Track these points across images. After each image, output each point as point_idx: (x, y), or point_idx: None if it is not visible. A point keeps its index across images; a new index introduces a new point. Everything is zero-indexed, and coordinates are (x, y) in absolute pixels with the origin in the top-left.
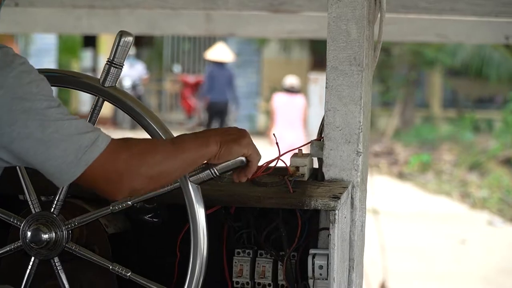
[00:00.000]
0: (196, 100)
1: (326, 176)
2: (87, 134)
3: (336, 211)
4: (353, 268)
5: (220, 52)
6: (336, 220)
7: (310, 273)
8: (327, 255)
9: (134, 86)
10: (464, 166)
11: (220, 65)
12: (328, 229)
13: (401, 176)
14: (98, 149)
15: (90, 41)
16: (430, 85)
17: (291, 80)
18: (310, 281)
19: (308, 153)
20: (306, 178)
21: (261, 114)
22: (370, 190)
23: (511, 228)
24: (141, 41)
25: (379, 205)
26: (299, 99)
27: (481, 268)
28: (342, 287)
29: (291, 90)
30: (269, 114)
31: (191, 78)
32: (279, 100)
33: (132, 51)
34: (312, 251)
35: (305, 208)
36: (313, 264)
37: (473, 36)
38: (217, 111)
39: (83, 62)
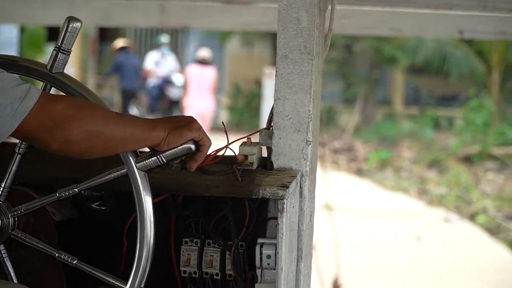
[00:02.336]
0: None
1: (275, 165)
2: (19, 86)
3: (285, 200)
4: (301, 258)
5: (123, 41)
6: (285, 209)
7: (258, 263)
8: (275, 245)
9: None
10: (423, 163)
11: (127, 54)
12: (276, 218)
13: (359, 172)
14: (32, 99)
15: (54, 35)
16: (392, 82)
17: (203, 52)
18: (258, 271)
19: (257, 142)
20: (254, 167)
21: (223, 109)
22: (324, 185)
23: (467, 225)
24: (104, 35)
25: (336, 201)
26: (210, 70)
27: (436, 264)
28: (290, 277)
29: (202, 62)
30: (184, 85)
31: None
32: (192, 71)
33: (166, 39)
34: (260, 240)
35: (254, 197)
36: (261, 253)
37: (427, 30)
38: (128, 97)
39: (49, 56)
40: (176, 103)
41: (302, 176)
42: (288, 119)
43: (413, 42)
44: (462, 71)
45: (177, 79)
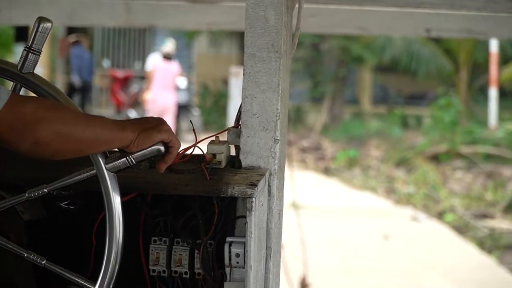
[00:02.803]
0: (125, 95)
1: (244, 164)
2: None
3: (253, 199)
4: (270, 256)
5: (75, 35)
6: (253, 208)
7: (226, 261)
8: (244, 243)
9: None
10: (391, 162)
11: (80, 48)
12: (245, 217)
13: (327, 171)
14: (1, 100)
15: (22, 35)
16: (360, 81)
17: (167, 48)
18: (227, 269)
19: (225, 141)
20: (223, 165)
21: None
22: (291, 184)
23: (435, 223)
24: None
25: (304, 200)
26: (174, 65)
27: (403, 263)
28: (259, 275)
29: (167, 57)
30: (147, 79)
31: (120, 73)
32: (156, 65)
33: (172, 43)
34: (229, 239)
35: (222, 195)
36: (229, 252)
37: (394, 29)
38: (78, 89)
39: (18, 56)
40: (182, 108)
41: (270, 174)
42: (256, 118)
43: (380, 41)
44: (430, 70)
45: (181, 82)
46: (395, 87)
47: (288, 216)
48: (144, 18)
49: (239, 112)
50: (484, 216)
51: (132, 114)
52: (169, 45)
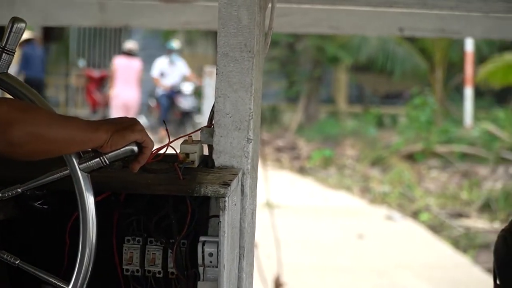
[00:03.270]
0: (100, 94)
1: (217, 163)
2: None
3: (226, 198)
4: (243, 256)
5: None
6: (226, 207)
7: (200, 261)
8: (217, 243)
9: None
10: (366, 161)
11: (33, 45)
12: (218, 216)
13: (302, 171)
14: None
15: None
16: (336, 81)
17: (129, 44)
18: (200, 269)
19: (198, 140)
20: (196, 165)
21: None
22: (266, 183)
23: (410, 222)
24: (49, 36)
25: (279, 200)
26: (136, 62)
27: (378, 262)
28: (232, 274)
29: (129, 54)
30: (111, 75)
31: (95, 73)
32: (119, 62)
33: (177, 44)
34: (202, 238)
35: (195, 194)
36: (203, 251)
37: (367, 28)
38: (32, 86)
39: None
40: (188, 114)
41: (243, 174)
42: (229, 117)
43: (356, 40)
44: (405, 69)
45: (186, 88)
46: (371, 86)
47: (262, 215)
48: (119, 18)
49: (212, 111)
50: (459, 215)
51: (142, 119)
52: (130, 42)
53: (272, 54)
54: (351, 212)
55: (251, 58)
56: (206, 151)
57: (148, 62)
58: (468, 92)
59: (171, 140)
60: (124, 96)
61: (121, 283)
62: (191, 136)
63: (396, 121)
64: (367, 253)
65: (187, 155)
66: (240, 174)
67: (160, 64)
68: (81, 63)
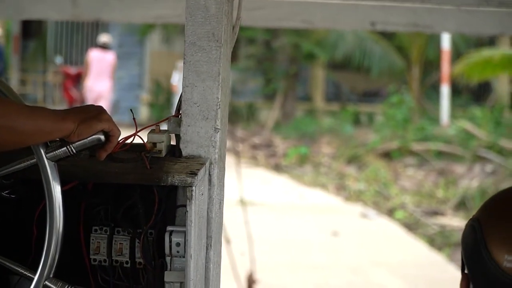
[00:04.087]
0: (77, 91)
1: (184, 153)
2: None
3: (193, 188)
4: (211, 246)
5: None
6: (193, 197)
7: (167, 250)
8: (184, 232)
9: None
10: (342, 159)
11: None
12: (185, 206)
13: (277, 168)
14: None
15: None
16: (313, 78)
17: (104, 38)
18: (168, 259)
19: (165, 130)
20: (163, 154)
21: (144, 106)
22: (240, 180)
23: (385, 220)
24: (28, 32)
25: (254, 197)
26: (110, 55)
27: (352, 259)
28: (200, 264)
29: (104, 47)
30: (85, 67)
31: (72, 70)
32: (93, 55)
33: (108, 38)
34: (169, 228)
35: (162, 184)
36: (170, 241)
37: (339, 22)
38: None
39: None
40: None
41: (211, 163)
42: (197, 107)
43: (332, 37)
44: (382, 67)
45: None
46: (349, 84)
47: (236, 212)
48: (91, 12)
49: (180, 101)
50: (435, 213)
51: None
52: (105, 36)
53: (249, 52)
54: (326, 209)
55: (219, 48)
56: (173, 141)
57: (124, 59)
58: (445, 90)
59: (138, 130)
60: (97, 88)
61: (89, 273)
62: (158, 125)
63: (373, 119)
64: (342, 250)
65: (154, 144)
66: (207, 164)
67: (179, 70)
68: (58, 60)
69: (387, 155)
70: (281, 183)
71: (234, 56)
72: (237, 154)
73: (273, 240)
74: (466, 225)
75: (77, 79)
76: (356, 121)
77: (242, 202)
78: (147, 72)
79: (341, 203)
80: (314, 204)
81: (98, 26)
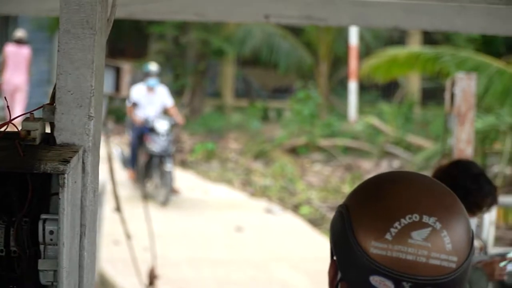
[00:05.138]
0: None
1: (58, 141)
2: None
3: (66, 175)
4: (84, 234)
5: None
6: (66, 184)
7: (41, 239)
8: (57, 220)
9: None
10: (249, 154)
11: None
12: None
13: (184, 164)
14: None
15: None
16: (222, 74)
17: (19, 33)
18: (41, 247)
19: (40, 118)
20: (37, 142)
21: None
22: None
23: (289, 216)
24: None
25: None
26: (25, 49)
27: (256, 255)
28: (73, 252)
29: (19, 42)
30: (2, 62)
31: None
32: (9, 50)
33: (154, 67)
34: (43, 216)
35: (35, 172)
36: (43, 229)
37: (233, 15)
38: None
39: None
40: (157, 158)
41: (84, 151)
42: (71, 94)
43: (240, 33)
44: (290, 63)
45: (162, 126)
46: (260, 80)
47: (139, 208)
48: None
49: (54, 89)
50: None
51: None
52: (20, 31)
53: (158, 47)
54: (230, 205)
55: (93, 35)
56: (48, 129)
57: (34, 55)
58: (353, 86)
59: (12, 118)
60: (13, 81)
61: None
62: (32, 113)
63: (282, 115)
64: (245, 245)
65: (28, 132)
66: (81, 152)
67: (137, 91)
68: None
69: (294, 151)
70: (187, 179)
71: (143, 52)
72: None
73: (175, 236)
74: (335, 212)
75: None
76: (265, 117)
77: (144, 198)
78: (55, 68)
79: (246, 199)
80: (219, 200)
81: (8, 20)
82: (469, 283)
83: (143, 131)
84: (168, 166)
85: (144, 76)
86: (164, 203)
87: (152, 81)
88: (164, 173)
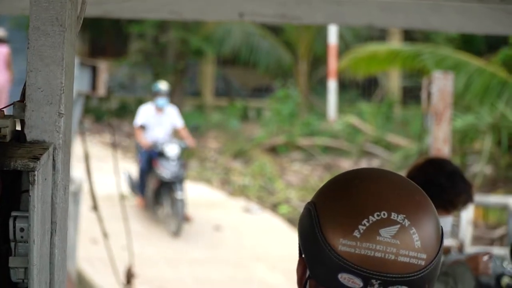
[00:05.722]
0: None
1: (28, 138)
2: None
3: (36, 172)
4: (55, 231)
5: None
6: (36, 182)
7: (11, 236)
8: (28, 218)
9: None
10: (228, 153)
11: None
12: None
13: None
14: None
15: None
16: (202, 74)
17: None
18: (12, 244)
19: (10, 115)
20: (8, 139)
21: None
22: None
23: (268, 215)
24: None
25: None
26: (4, 48)
27: (234, 254)
28: (44, 250)
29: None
30: None
31: None
32: None
33: (164, 86)
34: (13, 213)
35: (5, 169)
36: (14, 226)
37: (208, 13)
38: None
39: None
40: (167, 185)
41: (55, 148)
42: (41, 92)
43: (220, 32)
44: (270, 62)
45: (171, 150)
46: (240, 80)
47: (115, 207)
48: None
49: (25, 86)
50: None
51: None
52: (0, 30)
53: (137, 47)
54: (209, 204)
55: (63, 32)
56: (19, 127)
57: (14, 54)
58: (332, 85)
59: None
60: None
61: None
62: (3, 110)
63: (261, 114)
64: (224, 245)
65: None
66: (51, 149)
67: (145, 112)
68: None
69: (273, 150)
70: None
71: (123, 51)
72: (114, 147)
73: (154, 235)
74: (304, 209)
75: None
76: (244, 116)
77: (121, 197)
78: (27, 65)
79: (225, 198)
80: (197, 199)
81: None
82: (453, 278)
83: (152, 156)
84: (179, 193)
85: (153, 95)
86: (176, 233)
87: (162, 100)
88: (175, 201)
